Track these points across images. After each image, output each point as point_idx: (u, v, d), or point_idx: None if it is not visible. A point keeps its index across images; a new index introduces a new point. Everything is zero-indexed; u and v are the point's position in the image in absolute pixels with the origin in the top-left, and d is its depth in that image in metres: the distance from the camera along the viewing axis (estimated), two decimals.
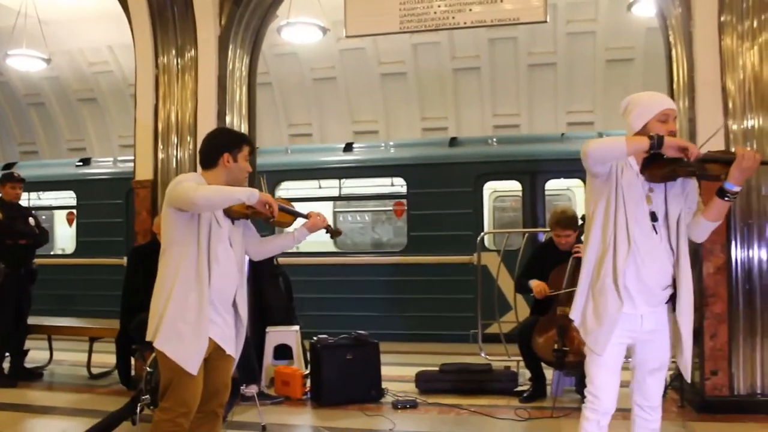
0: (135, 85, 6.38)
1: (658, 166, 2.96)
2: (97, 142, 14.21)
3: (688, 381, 3.87)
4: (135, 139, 6.37)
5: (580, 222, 5.40)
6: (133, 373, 5.94)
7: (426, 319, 9.12)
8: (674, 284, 3.06)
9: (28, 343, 6.60)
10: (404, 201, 9.67)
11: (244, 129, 6.45)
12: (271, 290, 6.63)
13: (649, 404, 3.15)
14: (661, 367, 3.12)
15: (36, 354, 6.85)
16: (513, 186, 9.47)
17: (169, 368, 3.10)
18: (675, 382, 5.50)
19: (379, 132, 13.31)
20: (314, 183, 10.27)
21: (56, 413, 5.29)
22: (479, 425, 4.92)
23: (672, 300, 3.07)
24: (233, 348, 3.30)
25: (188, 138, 6.23)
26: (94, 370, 6.59)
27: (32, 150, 14.69)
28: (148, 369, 4.21)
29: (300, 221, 3.47)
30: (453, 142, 9.92)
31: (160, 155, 6.29)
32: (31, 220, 6.50)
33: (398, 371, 6.38)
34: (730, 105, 5.15)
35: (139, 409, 4.41)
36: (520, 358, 5.72)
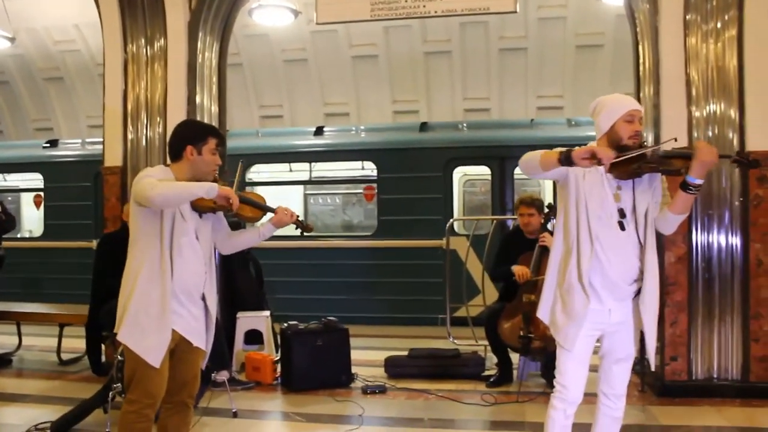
0: (103, 71, 6.30)
1: (624, 163, 3.07)
2: (64, 122, 13.98)
3: (653, 369, 4.01)
4: (104, 124, 6.31)
5: (546, 210, 5.53)
6: (103, 359, 5.94)
7: (395, 302, 9.23)
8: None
9: None
10: (374, 185, 9.74)
11: (214, 111, 6.42)
12: (242, 276, 6.66)
13: (614, 392, 3.28)
14: (627, 357, 3.25)
15: (4, 339, 6.81)
16: (483, 171, 9.58)
17: (133, 360, 3.14)
18: (636, 366, 5.66)
19: (350, 115, 13.30)
20: (285, 166, 10.27)
21: (27, 401, 5.29)
22: (447, 410, 5.03)
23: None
24: (202, 341, 3.33)
25: (158, 119, 6.19)
26: (64, 356, 6.58)
27: None
28: (119, 357, 4.21)
29: (270, 216, 3.48)
30: (423, 126, 10.01)
31: (130, 136, 6.23)
32: None
33: (368, 356, 6.47)
34: (693, 93, 5.31)
35: (110, 396, 4.44)
36: (488, 343, 5.85)
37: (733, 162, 3.33)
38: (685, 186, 3.03)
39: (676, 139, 3.31)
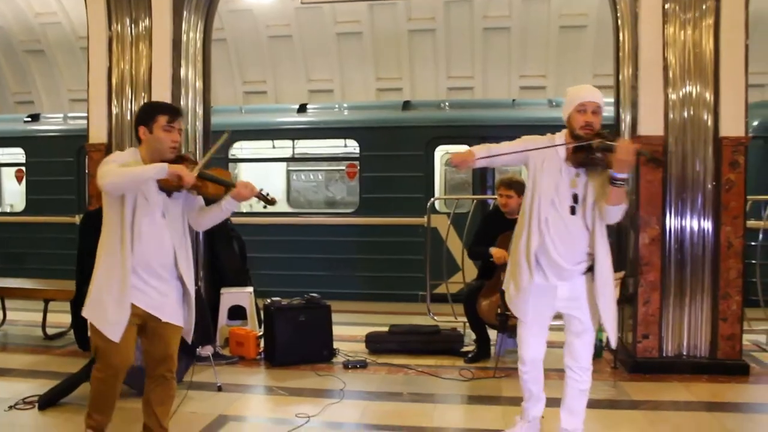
0: (87, 51, 6.28)
1: (575, 153, 3.36)
2: (45, 96, 13.87)
3: (614, 347, 4.20)
4: (88, 102, 6.30)
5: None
6: (89, 334, 5.99)
7: (376, 279, 9.37)
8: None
9: None
10: (357, 163, 9.81)
11: (199, 87, 6.42)
12: (225, 252, 6.73)
13: (578, 365, 3.52)
14: (584, 330, 3.49)
15: None
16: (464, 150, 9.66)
17: (97, 335, 3.33)
18: (609, 344, 5.84)
19: (334, 91, 13.33)
20: (268, 143, 10.31)
21: (13, 375, 5.34)
22: (426, 384, 5.16)
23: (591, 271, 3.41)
24: (174, 316, 3.43)
25: (143, 95, 6.19)
26: (50, 331, 6.63)
27: None
28: None
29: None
30: (406, 105, 10.06)
31: (114, 111, 6.23)
32: None
33: (349, 331, 6.59)
34: (671, 76, 5.41)
35: None
36: (466, 320, 5.99)
37: (648, 161, 3.55)
38: (611, 180, 3.24)
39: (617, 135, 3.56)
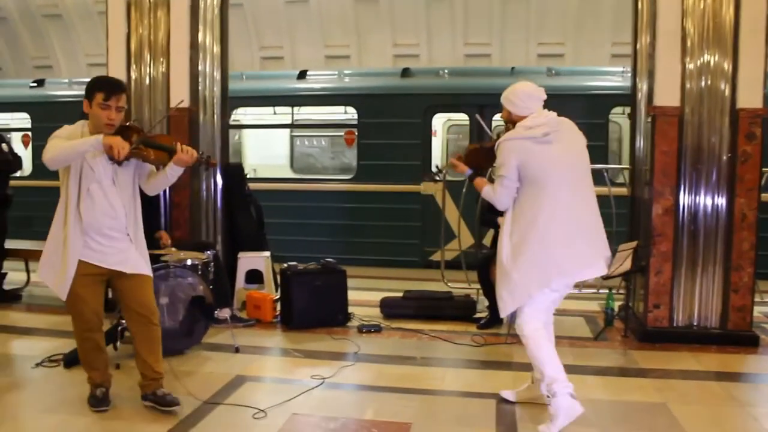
0: (106, 18, 6.32)
1: None
2: (63, 60, 13.92)
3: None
4: (107, 66, 6.35)
5: None
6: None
7: (373, 245, 9.55)
8: None
9: (4, 266, 6.76)
10: (355, 130, 9.94)
11: (216, 52, 6.47)
12: (243, 217, 6.83)
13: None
14: None
15: (13, 276, 7.02)
16: (465, 117, 9.78)
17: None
18: (621, 312, 5.92)
19: (351, 57, 13.27)
20: (269, 110, 10.41)
21: (39, 334, 5.52)
22: (438, 349, 5.28)
23: None
24: (135, 266, 3.70)
25: (161, 59, 6.25)
26: None
27: None
28: None
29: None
30: (405, 72, 10.14)
31: (133, 76, 6.30)
32: (4, 146, 6.54)
33: (364, 296, 6.70)
34: (689, 44, 5.37)
35: (119, 333, 4.67)
36: (480, 287, 6.07)
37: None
38: None
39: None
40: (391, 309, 6.25)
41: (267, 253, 6.69)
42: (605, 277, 5.59)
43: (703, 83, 5.34)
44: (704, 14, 5.35)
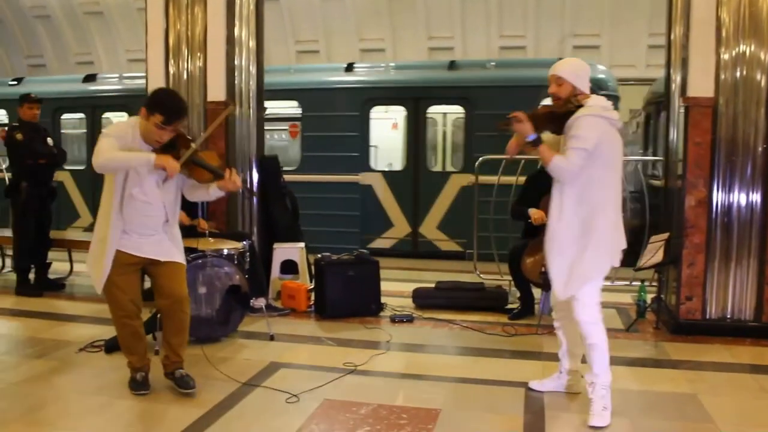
0: (146, 15, 6.48)
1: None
2: (104, 57, 14.27)
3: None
4: (146, 61, 6.52)
5: None
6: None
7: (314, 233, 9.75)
8: None
9: (49, 256, 6.98)
10: (298, 123, 10.35)
11: (252, 46, 6.59)
12: (278, 209, 6.95)
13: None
14: None
15: (57, 266, 7.26)
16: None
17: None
18: (653, 304, 5.90)
19: (386, 50, 13.36)
20: None
21: (82, 321, 5.71)
22: (469, 339, 5.33)
23: None
24: (171, 255, 3.89)
25: (198, 54, 6.39)
26: None
27: (40, 63, 14.77)
28: None
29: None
30: (349, 67, 10.47)
31: (171, 71, 6.45)
32: (49, 141, 6.76)
33: (397, 287, 6.78)
34: (723, 34, 5.30)
35: (159, 324, 4.79)
36: (511, 278, 6.11)
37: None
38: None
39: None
40: (423, 299, 6.32)
41: (302, 244, 6.80)
42: (637, 269, 5.65)
43: (738, 74, 5.28)
44: (740, 3, 5.28)
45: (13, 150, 6.58)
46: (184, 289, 3.96)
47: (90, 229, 9.00)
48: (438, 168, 10.44)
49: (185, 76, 6.43)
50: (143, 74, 6.53)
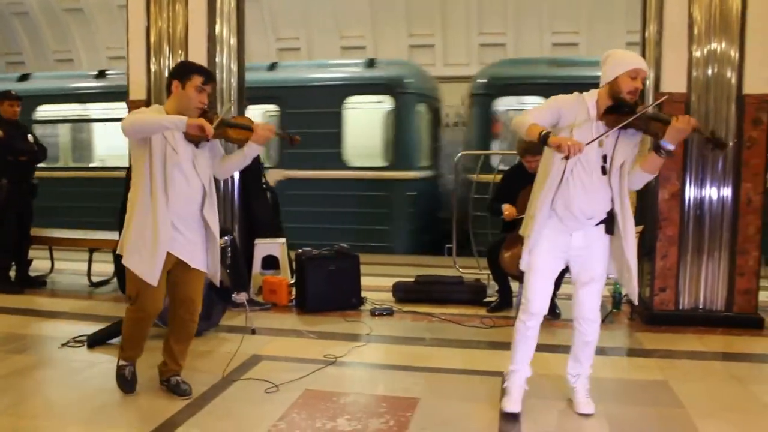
0: (126, 13, 6.49)
1: (616, 115, 3.39)
2: (84, 54, 14.18)
3: (636, 304, 4.38)
4: (128, 59, 6.54)
5: None
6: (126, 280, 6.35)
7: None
8: (610, 216, 3.53)
9: (30, 253, 6.99)
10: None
11: (233, 44, 6.60)
12: (259, 205, 6.98)
13: (584, 317, 3.65)
14: (591, 281, 3.61)
15: (39, 263, 7.26)
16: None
17: (134, 281, 3.64)
18: (630, 298, 6.01)
19: (366, 48, 13.42)
20: None
21: (63, 317, 5.73)
22: (448, 331, 5.41)
23: (606, 224, 3.52)
24: (200, 262, 3.75)
25: (180, 52, 6.38)
26: (94, 279, 7.04)
27: (18, 61, 14.65)
28: None
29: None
30: (272, 67, 10.70)
31: (153, 69, 6.45)
32: (30, 138, 6.76)
33: (377, 282, 6.86)
34: (696, 32, 5.44)
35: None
36: (490, 271, 6.20)
37: (706, 141, 3.49)
38: (657, 148, 3.34)
39: (665, 97, 3.60)
40: (403, 293, 6.40)
41: (283, 240, 6.86)
42: None
43: (709, 71, 5.41)
44: (711, 2, 5.41)
45: None
46: (200, 300, 3.87)
47: None
48: None
49: (167, 74, 6.43)
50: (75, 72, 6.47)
